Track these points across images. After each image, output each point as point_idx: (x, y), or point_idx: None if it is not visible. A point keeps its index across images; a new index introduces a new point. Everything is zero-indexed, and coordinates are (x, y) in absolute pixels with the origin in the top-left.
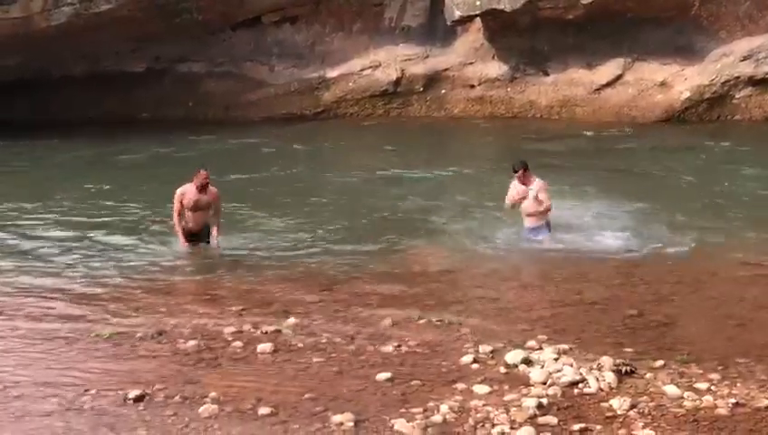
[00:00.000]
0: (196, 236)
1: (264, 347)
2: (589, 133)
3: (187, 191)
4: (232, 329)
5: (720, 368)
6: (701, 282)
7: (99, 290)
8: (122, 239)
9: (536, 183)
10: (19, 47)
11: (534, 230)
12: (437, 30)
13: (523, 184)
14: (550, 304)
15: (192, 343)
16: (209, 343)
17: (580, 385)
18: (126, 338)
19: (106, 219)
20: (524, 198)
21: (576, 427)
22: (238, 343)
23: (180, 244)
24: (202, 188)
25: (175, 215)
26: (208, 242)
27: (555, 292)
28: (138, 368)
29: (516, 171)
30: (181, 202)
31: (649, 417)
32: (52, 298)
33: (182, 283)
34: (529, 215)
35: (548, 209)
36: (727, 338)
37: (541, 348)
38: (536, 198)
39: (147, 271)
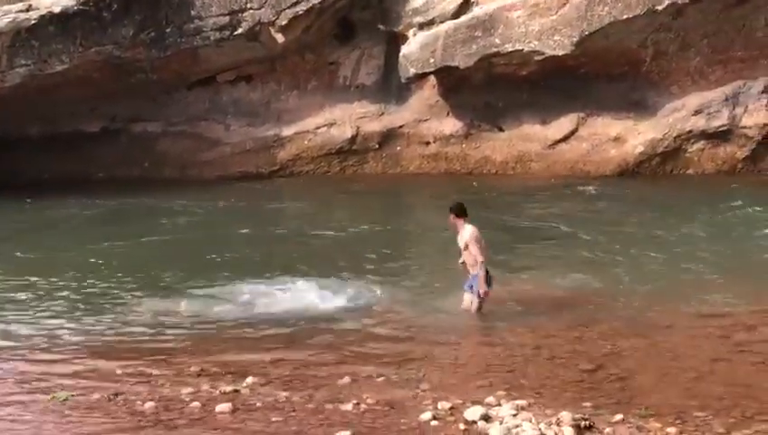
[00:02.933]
0: None
1: (223, 407)
2: (546, 190)
3: None
4: (190, 389)
5: (678, 422)
6: (657, 335)
7: (55, 352)
8: (76, 300)
9: (466, 231)
10: None
11: (467, 282)
12: (392, 87)
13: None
14: (508, 359)
15: (149, 404)
16: (167, 404)
17: None
18: (82, 400)
19: (60, 282)
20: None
21: None
22: (196, 404)
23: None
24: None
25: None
26: None
27: (514, 346)
28: (95, 431)
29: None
30: None
31: None
32: (7, 360)
33: (139, 344)
34: (463, 264)
35: (475, 262)
36: (685, 391)
37: (500, 404)
38: (465, 247)
39: (103, 333)
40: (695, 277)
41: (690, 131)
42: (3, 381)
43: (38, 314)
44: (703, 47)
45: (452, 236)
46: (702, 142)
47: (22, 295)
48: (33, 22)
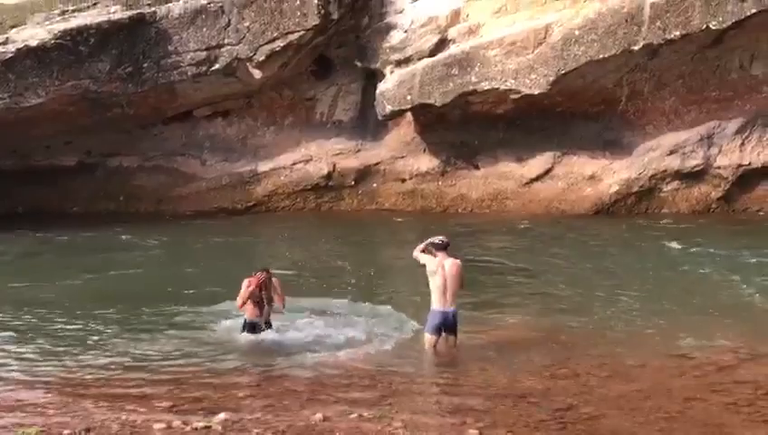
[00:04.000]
0: (261, 326)
1: None
2: (523, 225)
3: (252, 284)
4: (162, 425)
5: None
6: (629, 374)
7: (25, 387)
8: (47, 334)
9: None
10: None
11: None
12: (369, 124)
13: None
14: (481, 396)
15: None
16: None
17: None
18: None
19: (31, 316)
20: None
21: None
22: None
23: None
24: (265, 287)
25: (246, 295)
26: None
27: (486, 385)
28: None
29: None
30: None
31: None
32: None
33: (110, 379)
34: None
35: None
36: (657, 431)
37: None
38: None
39: (73, 368)
40: (667, 317)
41: (665, 171)
42: None
43: (7, 348)
44: (678, 87)
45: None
46: (676, 182)
47: None
48: (9, 55)
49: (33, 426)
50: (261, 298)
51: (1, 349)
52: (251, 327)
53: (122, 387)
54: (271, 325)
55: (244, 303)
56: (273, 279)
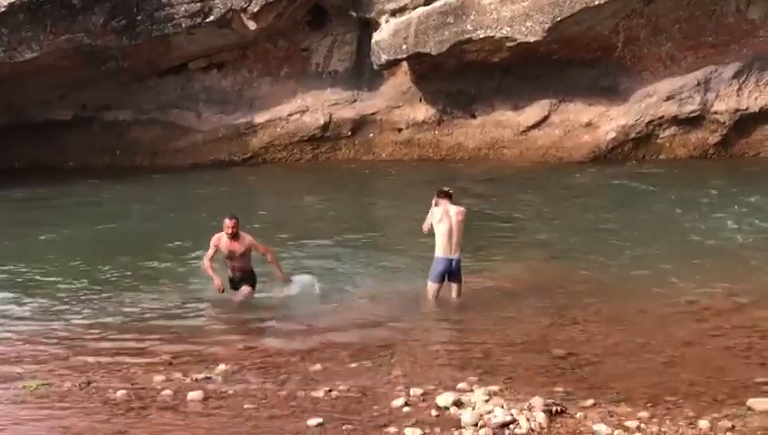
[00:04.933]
0: (239, 283)
1: (195, 395)
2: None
3: (221, 240)
4: (161, 377)
5: (649, 406)
6: (628, 320)
7: (25, 341)
8: (48, 288)
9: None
10: None
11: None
12: (364, 74)
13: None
14: (480, 345)
15: (121, 392)
16: (138, 392)
17: (512, 426)
18: (54, 389)
19: (30, 269)
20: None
21: None
22: (168, 392)
23: (214, 285)
24: (233, 237)
25: (207, 261)
26: (249, 283)
27: (485, 333)
28: (66, 419)
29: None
30: (216, 248)
31: None
32: None
33: (111, 333)
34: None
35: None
36: (656, 376)
37: (471, 390)
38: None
39: (73, 322)
40: (665, 263)
41: (662, 117)
42: None
43: (8, 302)
44: (674, 33)
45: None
46: (674, 128)
47: None
48: (2, 9)
49: (33, 379)
50: (232, 252)
51: None
52: (230, 283)
53: (121, 341)
54: (253, 280)
55: (210, 261)
56: (244, 234)
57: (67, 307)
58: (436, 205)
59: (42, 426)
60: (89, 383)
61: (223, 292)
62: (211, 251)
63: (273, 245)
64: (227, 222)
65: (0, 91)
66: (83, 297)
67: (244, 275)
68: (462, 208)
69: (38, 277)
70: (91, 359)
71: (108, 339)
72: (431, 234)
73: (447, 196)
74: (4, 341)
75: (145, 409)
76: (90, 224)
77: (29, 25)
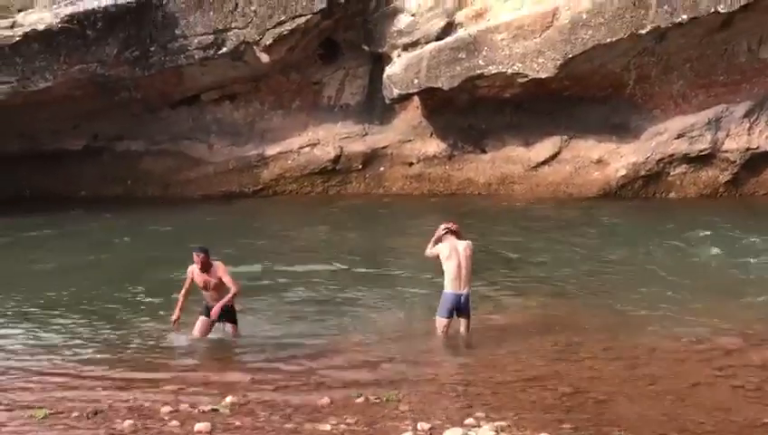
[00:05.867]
0: (219, 317)
1: (201, 426)
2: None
3: (195, 272)
4: (169, 408)
5: None
6: (637, 358)
7: (33, 370)
8: (57, 317)
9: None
10: None
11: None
12: (376, 108)
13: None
14: (488, 380)
15: (128, 422)
16: (146, 423)
17: None
18: (61, 418)
19: (39, 296)
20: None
21: None
22: (175, 423)
23: (173, 318)
24: (204, 270)
25: (182, 292)
26: (229, 321)
27: (493, 368)
28: None
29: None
30: (192, 280)
31: None
32: None
33: (119, 362)
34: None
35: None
36: (664, 415)
37: (479, 425)
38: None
39: (82, 351)
40: (674, 301)
41: (672, 155)
42: None
43: (18, 330)
44: (686, 71)
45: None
46: (684, 166)
47: (2, 311)
48: (16, 39)
49: (41, 408)
50: (205, 282)
51: (8, 329)
52: (205, 309)
53: (129, 371)
54: (233, 312)
55: (185, 294)
56: (218, 264)
57: (75, 337)
58: (442, 241)
59: None
60: (96, 413)
61: (176, 325)
62: (187, 283)
63: (280, 276)
64: (195, 257)
65: (12, 120)
66: (90, 327)
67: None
68: (469, 243)
69: (45, 307)
70: (98, 389)
71: (116, 369)
72: (437, 267)
73: (454, 233)
74: (11, 370)
75: None
76: (97, 253)
77: (43, 55)
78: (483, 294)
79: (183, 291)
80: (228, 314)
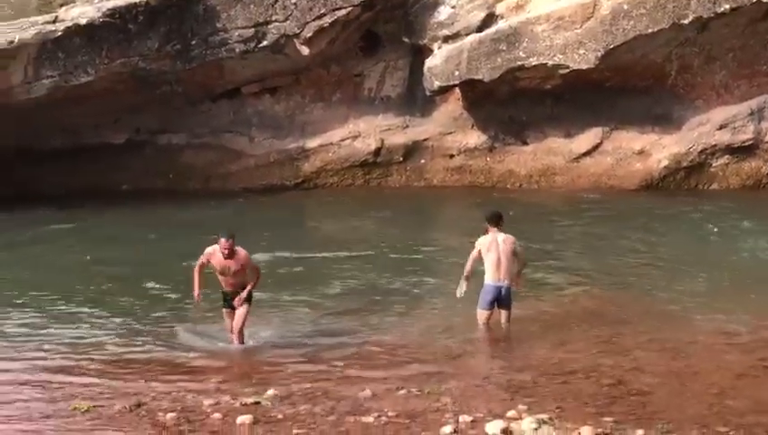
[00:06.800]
0: (230, 298)
1: (244, 419)
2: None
3: (215, 255)
4: (211, 401)
5: None
6: (679, 350)
7: (77, 363)
8: (98, 312)
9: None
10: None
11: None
12: (417, 100)
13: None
14: (529, 372)
15: (171, 415)
16: (188, 416)
17: None
18: (104, 411)
19: (80, 291)
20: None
21: None
22: (217, 415)
23: (195, 295)
24: (228, 255)
25: (196, 270)
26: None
27: (535, 360)
28: None
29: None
30: (208, 261)
31: None
32: (31, 370)
33: (161, 355)
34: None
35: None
36: (707, 407)
37: (521, 418)
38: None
39: (124, 344)
40: (717, 294)
41: (715, 146)
42: (26, 391)
43: (62, 323)
44: (728, 61)
45: (469, 250)
46: (727, 157)
47: (47, 304)
48: (59, 33)
49: (84, 401)
50: (226, 268)
51: (53, 323)
52: (224, 298)
53: (172, 364)
54: (248, 297)
55: (200, 272)
56: (240, 250)
57: (117, 330)
58: (485, 232)
59: None
60: (139, 405)
61: (198, 298)
62: (203, 261)
63: (321, 268)
64: (223, 242)
65: (55, 115)
66: (133, 320)
67: (237, 293)
68: (511, 237)
69: (87, 299)
70: (140, 382)
71: (159, 361)
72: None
73: (496, 223)
74: (54, 362)
75: (194, 432)
76: (139, 245)
77: (85, 49)
78: (525, 285)
79: (197, 269)
80: (246, 296)
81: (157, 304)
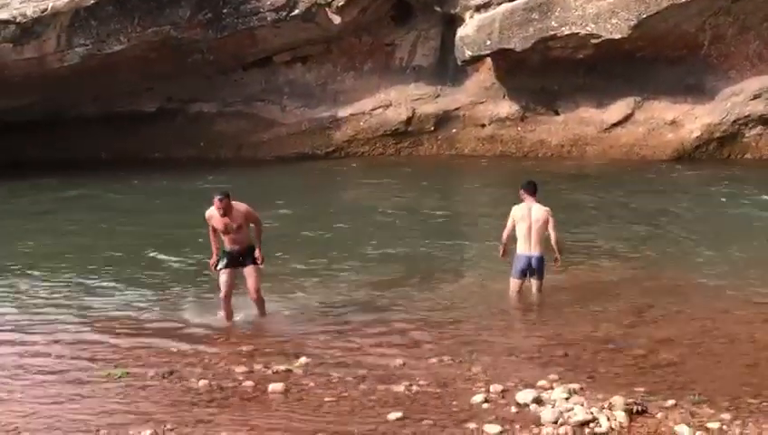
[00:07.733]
0: (240, 256)
1: (276, 387)
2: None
3: (214, 216)
4: (243, 369)
5: (731, 408)
6: (710, 321)
7: (110, 330)
8: (132, 279)
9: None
10: (32, 87)
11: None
12: (448, 69)
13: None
14: (560, 342)
15: (203, 382)
16: (220, 383)
17: (591, 425)
18: (138, 378)
19: (112, 258)
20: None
21: None
22: (249, 383)
23: (211, 262)
24: (224, 213)
25: (210, 236)
26: (253, 262)
27: (566, 330)
28: (150, 408)
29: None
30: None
31: None
32: (62, 339)
33: (193, 322)
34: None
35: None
36: (739, 377)
37: (552, 387)
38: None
39: (157, 311)
40: (750, 266)
41: (748, 116)
42: (61, 358)
43: (96, 291)
44: (762, 31)
45: (503, 220)
46: (760, 127)
47: (80, 271)
48: (92, 2)
49: (118, 368)
50: (228, 226)
51: (86, 290)
52: (228, 256)
53: (204, 331)
54: (254, 260)
55: (214, 238)
56: (238, 205)
57: (149, 298)
58: (520, 200)
59: (125, 413)
60: (171, 373)
61: (216, 269)
62: (210, 230)
63: (352, 236)
64: (216, 202)
65: (88, 83)
66: (165, 288)
67: (243, 250)
68: (545, 209)
69: (120, 268)
70: (173, 349)
71: (190, 329)
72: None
73: (531, 191)
74: (88, 331)
75: (227, 399)
76: (170, 212)
77: (117, 18)
78: (560, 260)
79: (212, 236)
80: (252, 253)
81: (187, 273)
